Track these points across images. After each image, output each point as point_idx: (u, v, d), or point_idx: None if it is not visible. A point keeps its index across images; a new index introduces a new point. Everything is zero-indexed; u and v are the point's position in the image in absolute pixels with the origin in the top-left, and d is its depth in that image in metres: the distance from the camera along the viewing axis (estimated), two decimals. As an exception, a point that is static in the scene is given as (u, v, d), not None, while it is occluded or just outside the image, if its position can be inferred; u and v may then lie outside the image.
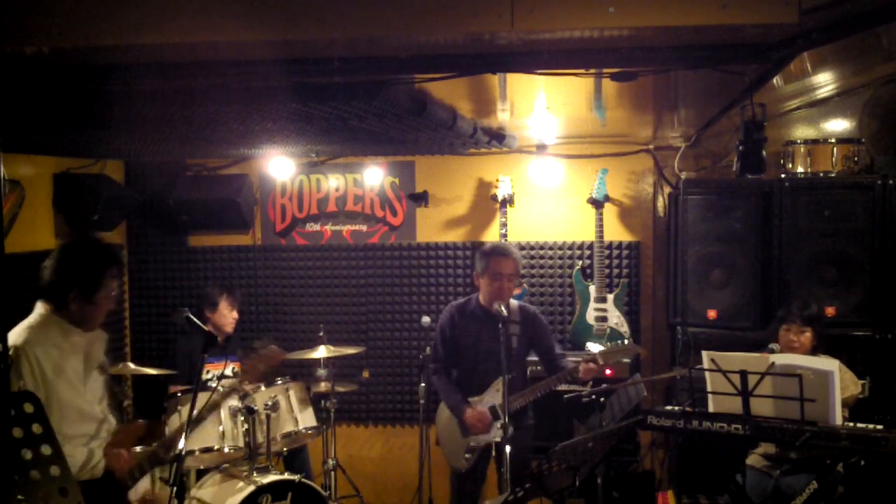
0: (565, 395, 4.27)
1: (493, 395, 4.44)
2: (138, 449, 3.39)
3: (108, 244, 3.49)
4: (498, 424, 4.34)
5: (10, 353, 2.99)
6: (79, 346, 3.24)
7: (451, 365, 4.64)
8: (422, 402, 4.79)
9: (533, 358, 4.84)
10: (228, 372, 5.28)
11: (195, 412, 3.16)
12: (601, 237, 5.39)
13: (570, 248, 5.70)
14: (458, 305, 4.68)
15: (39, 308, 3.22)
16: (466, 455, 4.49)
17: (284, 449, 4.76)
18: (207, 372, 5.11)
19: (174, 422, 3.99)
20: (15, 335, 3.08)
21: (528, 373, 4.84)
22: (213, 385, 4.95)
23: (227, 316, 5.29)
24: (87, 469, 3.11)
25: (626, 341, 4.71)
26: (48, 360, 3.09)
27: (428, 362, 4.65)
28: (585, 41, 2.48)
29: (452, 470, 4.67)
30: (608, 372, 5.05)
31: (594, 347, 4.94)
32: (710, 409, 3.82)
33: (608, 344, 4.63)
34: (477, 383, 4.51)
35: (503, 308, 4.20)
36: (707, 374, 3.80)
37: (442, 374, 4.62)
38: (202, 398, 3.45)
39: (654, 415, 3.88)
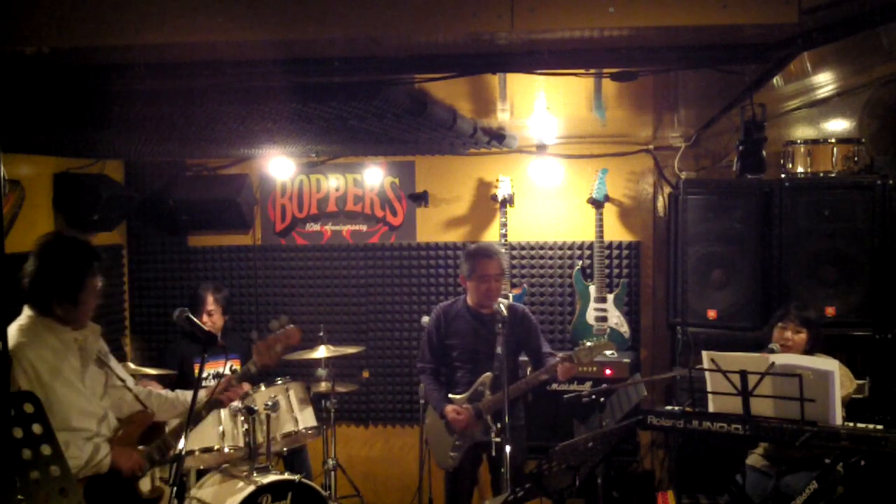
0: (565, 395, 4.26)
1: (475, 394, 4.43)
2: (141, 447, 3.40)
3: (83, 241, 3.39)
4: (484, 425, 4.35)
5: None
6: (72, 343, 3.22)
7: (439, 366, 4.63)
8: (422, 402, 4.79)
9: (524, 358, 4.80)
10: (227, 371, 5.27)
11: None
12: (601, 237, 5.38)
13: (570, 248, 5.69)
14: (444, 307, 4.65)
15: (27, 311, 3.19)
16: (452, 454, 4.48)
17: (284, 449, 4.76)
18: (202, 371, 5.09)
19: (172, 421, 3.99)
20: (7, 339, 3.06)
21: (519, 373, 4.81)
22: (210, 384, 4.98)
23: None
24: (93, 465, 3.11)
25: (602, 338, 4.68)
26: (42, 362, 3.07)
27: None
28: (585, 41, 2.48)
29: (444, 470, 4.68)
30: (608, 372, 5.04)
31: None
32: (710, 409, 3.82)
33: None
34: (465, 384, 4.49)
35: (503, 308, 4.20)
36: (707, 374, 3.80)
37: (429, 374, 4.61)
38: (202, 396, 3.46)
39: (654, 415, 3.88)
